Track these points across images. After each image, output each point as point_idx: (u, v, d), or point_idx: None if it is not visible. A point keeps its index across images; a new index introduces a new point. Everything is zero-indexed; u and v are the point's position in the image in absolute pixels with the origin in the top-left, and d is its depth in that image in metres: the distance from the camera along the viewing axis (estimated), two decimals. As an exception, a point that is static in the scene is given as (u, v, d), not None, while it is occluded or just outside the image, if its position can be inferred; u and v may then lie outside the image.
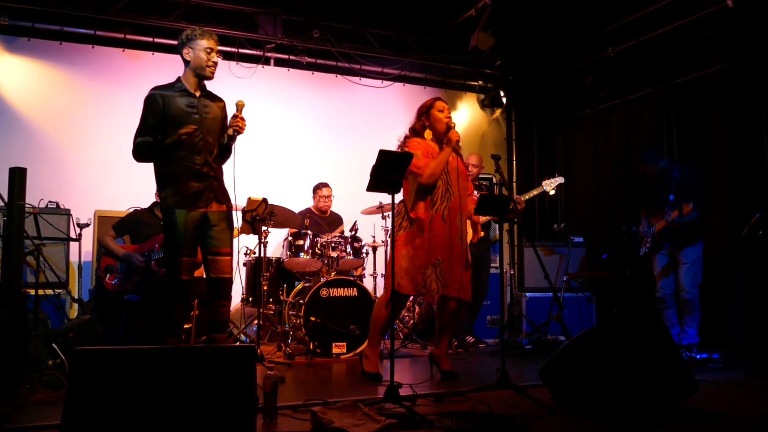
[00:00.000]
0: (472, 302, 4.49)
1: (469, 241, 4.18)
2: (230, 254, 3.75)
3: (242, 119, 3.68)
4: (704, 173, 5.74)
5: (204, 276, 3.77)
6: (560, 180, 5.86)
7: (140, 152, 3.64)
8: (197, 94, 3.69)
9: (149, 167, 3.72)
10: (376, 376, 4.00)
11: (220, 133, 3.75)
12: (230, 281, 3.75)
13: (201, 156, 3.62)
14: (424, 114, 4.18)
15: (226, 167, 3.81)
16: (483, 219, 5.49)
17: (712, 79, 5.90)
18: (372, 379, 3.98)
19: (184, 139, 3.53)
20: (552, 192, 5.85)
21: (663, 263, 5.41)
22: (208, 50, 3.65)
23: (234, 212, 4.01)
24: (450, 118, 4.11)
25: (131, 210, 5.34)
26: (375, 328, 4.09)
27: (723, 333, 5.43)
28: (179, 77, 3.72)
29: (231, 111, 3.80)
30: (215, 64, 3.69)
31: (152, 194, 5.24)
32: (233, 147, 3.81)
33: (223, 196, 3.73)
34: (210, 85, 3.80)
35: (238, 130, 3.68)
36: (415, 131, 4.18)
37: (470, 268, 4.13)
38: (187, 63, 3.68)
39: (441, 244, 3.96)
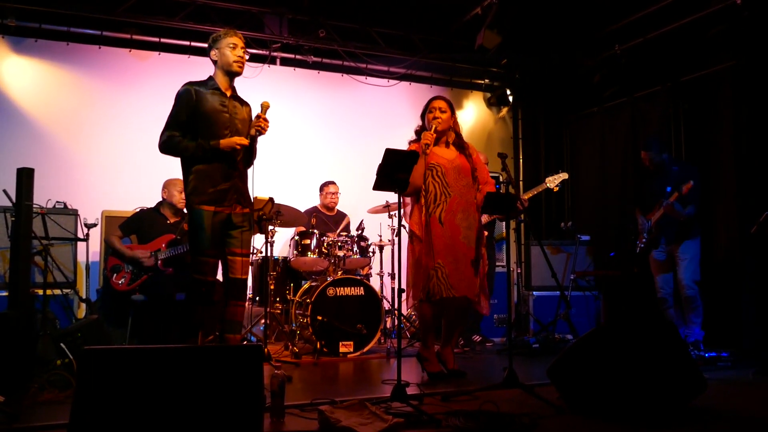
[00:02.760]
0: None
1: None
2: (248, 255, 3.79)
3: (265, 120, 3.70)
4: (712, 171, 5.71)
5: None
6: (564, 176, 5.83)
7: (171, 147, 3.62)
8: (228, 93, 3.74)
9: (155, 167, 3.76)
10: (440, 375, 4.01)
11: (246, 136, 3.77)
12: (245, 282, 3.78)
13: (230, 156, 3.65)
14: (423, 116, 4.20)
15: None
16: (486, 219, 5.49)
17: (720, 77, 5.87)
18: (437, 379, 3.99)
19: (237, 148, 3.58)
20: (555, 188, 5.81)
21: (661, 261, 5.35)
22: (232, 45, 3.70)
23: None
24: (437, 118, 4.07)
25: (138, 210, 5.36)
26: (424, 330, 4.14)
27: (731, 331, 5.40)
28: (211, 76, 3.76)
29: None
30: (241, 58, 3.74)
31: (159, 194, 5.26)
32: (256, 149, 3.84)
33: (245, 199, 3.77)
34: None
35: (261, 131, 3.70)
36: (417, 134, 4.20)
37: (480, 266, 4.07)
38: (215, 63, 3.73)
39: (441, 248, 3.94)
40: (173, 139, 3.60)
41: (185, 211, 5.10)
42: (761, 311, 5.21)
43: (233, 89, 3.80)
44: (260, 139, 3.84)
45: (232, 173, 3.67)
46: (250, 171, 3.87)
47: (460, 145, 4.15)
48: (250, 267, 3.89)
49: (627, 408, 2.93)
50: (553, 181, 5.74)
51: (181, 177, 5.12)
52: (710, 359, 4.72)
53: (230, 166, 3.66)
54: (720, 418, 3.05)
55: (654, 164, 5.38)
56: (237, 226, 3.69)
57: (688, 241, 5.19)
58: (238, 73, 3.76)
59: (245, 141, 3.64)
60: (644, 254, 5.45)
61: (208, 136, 3.60)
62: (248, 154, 3.81)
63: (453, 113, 4.17)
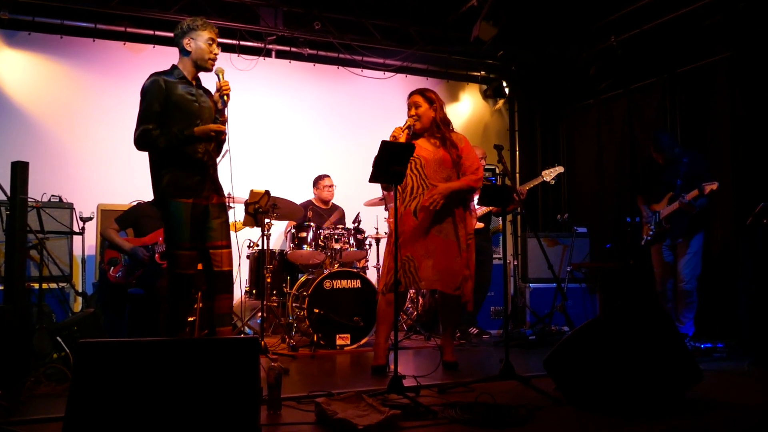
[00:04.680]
0: (476, 293, 4.49)
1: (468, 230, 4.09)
2: (230, 246, 3.70)
3: (226, 82, 3.63)
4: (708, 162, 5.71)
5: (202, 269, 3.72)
6: (560, 170, 5.84)
7: (148, 141, 3.48)
8: (193, 83, 3.66)
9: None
10: (378, 369, 3.98)
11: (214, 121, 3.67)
12: (231, 274, 3.71)
13: (202, 145, 3.56)
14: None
15: (223, 161, 3.79)
16: (481, 211, 5.49)
17: (716, 68, 5.86)
18: (375, 373, 3.97)
19: (212, 135, 3.51)
20: (552, 182, 5.82)
21: (666, 257, 5.26)
22: (210, 41, 3.62)
23: (233, 204, 4.01)
24: (412, 115, 4.04)
25: (134, 203, 5.34)
26: (377, 322, 4.13)
27: (727, 323, 5.41)
28: (175, 65, 3.67)
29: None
30: (216, 56, 3.66)
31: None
32: (227, 134, 3.70)
33: (219, 189, 3.70)
34: (212, 77, 3.78)
35: (227, 94, 3.61)
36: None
37: (462, 260, 4.01)
38: (187, 53, 3.62)
39: (411, 240, 3.94)
40: (148, 133, 3.47)
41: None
42: (757, 303, 5.22)
43: (198, 79, 3.72)
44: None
45: (206, 162, 3.59)
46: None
47: (442, 137, 4.07)
48: (236, 258, 3.80)
49: (623, 399, 2.94)
50: (549, 174, 5.75)
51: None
52: (706, 350, 4.74)
53: (203, 156, 3.57)
54: (715, 408, 3.06)
55: (666, 159, 5.26)
56: (215, 217, 3.62)
57: (696, 233, 5.11)
58: (210, 71, 3.67)
59: (222, 127, 3.55)
60: (647, 246, 5.38)
61: (174, 126, 3.49)
62: (219, 142, 3.72)
63: (432, 104, 4.07)
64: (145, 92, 3.55)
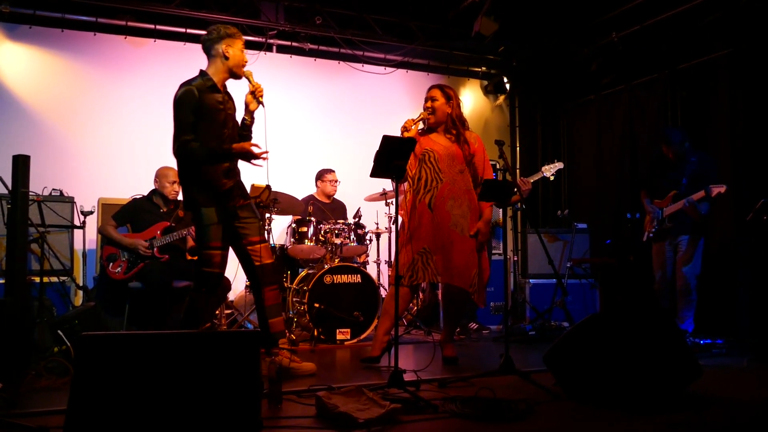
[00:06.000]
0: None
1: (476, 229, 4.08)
2: (266, 241, 3.84)
3: (258, 84, 3.76)
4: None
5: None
6: (559, 165, 5.83)
7: (187, 153, 3.55)
8: (221, 89, 3.72)
9: (152, 154, 3.75)
10: (369, 360, 4.03)
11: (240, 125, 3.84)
12: (272, 266, 3.80)
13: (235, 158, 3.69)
14: None
15: None
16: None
17: (717, 65, 5.86)
18: (365, 362, 4.02)
19: (250, 153, 3.59)
20: (552, 177, 5.82)
21: (666, 254, 5.16)
22: (242, 49, 3.73)
23: None
24: (427, 108, 4.08)
25: (131, 198, 5.34)
26: (382, 312, 4.16)
27: (726, 319, 5.42)
28: (204, 71, 3.70)
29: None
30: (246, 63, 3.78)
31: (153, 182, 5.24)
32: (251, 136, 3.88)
33: (245, 191, 3.81)
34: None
35: (262, 97, 3.75)
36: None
37: (477, 257, 4.04)
38: (225, 58, 3.65)
39: (428, 233, 3.95)
40: (188, 145, 3.53)
41: (179, 199, 5.13)
42: (756, 299, 5.22)
43: (225, 84, 3.78)
44: (257, 127, 3.85)
45: (234, 169, 3.72)
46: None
47: (457, 133, 4.11)
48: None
49: (623, 394, 2.95)
50: (549, 170, 5.74)
51: (171, 166, 5.12)
52: (705, 346, 4.74)
53: (233, 164, 3.70)
54: (715, 404, 3.07)
55: (677, 155, 5.15)
56: (245, 216, 3.72)
57: (696, 235, 5.02)
58: (240, 78, 3.76)
59: (258, 146, 3.61)
60: (648, 243, 5.32)
61: (209, 134, 3.58)
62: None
63: (450, 100, 4.11)
64: (179, 103, 3.58)
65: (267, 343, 3.72)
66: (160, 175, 5.12)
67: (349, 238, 5.39)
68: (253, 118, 3.84)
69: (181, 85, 3.61)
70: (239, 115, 3.85)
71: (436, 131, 4.13)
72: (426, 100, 4.12)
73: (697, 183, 4.93)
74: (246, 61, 3.74)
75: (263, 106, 3.77)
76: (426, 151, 4.04)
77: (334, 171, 6.36)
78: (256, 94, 3.75)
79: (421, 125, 4.09)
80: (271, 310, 3.74)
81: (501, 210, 6.24)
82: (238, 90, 3.88)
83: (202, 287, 3.65)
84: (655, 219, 5.20)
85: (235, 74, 3.71)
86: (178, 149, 3.57)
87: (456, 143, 4.09)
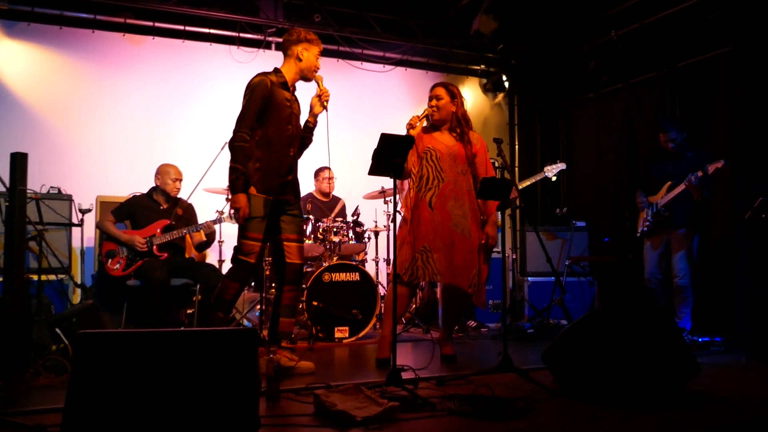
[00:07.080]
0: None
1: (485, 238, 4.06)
2: (302, 241, 3.87)
3: (326, 89, 3.88)
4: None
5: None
6: (561, 166, 5.84)
7: (239, 151, 3.60)
8: (291, 89, 3.83)
9: (150, 152, 3.74)
10: (383, 362, 3.96)
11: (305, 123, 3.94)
12: (302, 268, 3.87)
13: (293, 149, 3.79)
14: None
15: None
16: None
17: (716, 62, 5.86)
18: (379, 365, 3.95)
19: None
20: (554, 178, 5.83)
21: (658, 249, 5.15)
22: (318, 56, 3.86)
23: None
24: (432, 106, 4.06)
25: (131, 195, 5.34)
26: (385, 311, 4.12)
27: (725, 317, 5.42)
28: (278, 69, 3.81)
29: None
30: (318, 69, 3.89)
31: (153, 179, 5.24)
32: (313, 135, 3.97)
33: (298, 188, 3.90)
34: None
35: (327, 100, 3.87)
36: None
37: (479, 258, 4.01)
38: (299, 60, 3.78)
39: (428, 231, 3.93)
40: (236, 136, 3.60)
41: (179, 197, 5.13)
42: (755, 297, 5.23)
43: (295, 86, 3.88)
44: (319, 131, 3.94)
45: (293, 164, 3.81)
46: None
47: (461, 132, 4.09)
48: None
49: (621, 391, 2.95)
50: (551, 171, 5.75)
51: (172, 163, 5.11)
52: (704, 344, 4.74)
53: (294, 158, 3.80)
54: (713, 401, 3.07)
55: (674, 146, 5.12)
56: (290, 213, 3.79)
57: (691, 229, 5.01)
58: (310, 81, 3.88)
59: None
60: (643, 238, 5.31)
61: (274, 127, 3.67)
62: (302, 145, 3.94)
63: (454, 99, 4.09)
64: (252, 89, 3.67)
65: (270, 340, 3.75)
66: (162, 172, 5.10)
67: (347, 236, 5.39)
68: (316, 121, 3.94)
69: (258, 74, 3.72)
70: (303, 117, 3.93)
71: (440, 129, 4.11)
72: (430, 99, 4.10)
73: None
74: (318, 67, 3.85)
75: (327, 111, 3.87)
76: (428, 149, 4.02)
77: (329, 168, 6.34)
78: (322, 98, 3.85)
79: (425, 122, 4.09)
80: (285, 309, 3.79)
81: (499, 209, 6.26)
82: (304, 93, 3.98)
83: (237, 275, 3.67)
84: (648, 213, 5.19)
85: (306, 77, 3.83)
86: (233, 142, 3.65)
87: (460, 142, 4.08)
